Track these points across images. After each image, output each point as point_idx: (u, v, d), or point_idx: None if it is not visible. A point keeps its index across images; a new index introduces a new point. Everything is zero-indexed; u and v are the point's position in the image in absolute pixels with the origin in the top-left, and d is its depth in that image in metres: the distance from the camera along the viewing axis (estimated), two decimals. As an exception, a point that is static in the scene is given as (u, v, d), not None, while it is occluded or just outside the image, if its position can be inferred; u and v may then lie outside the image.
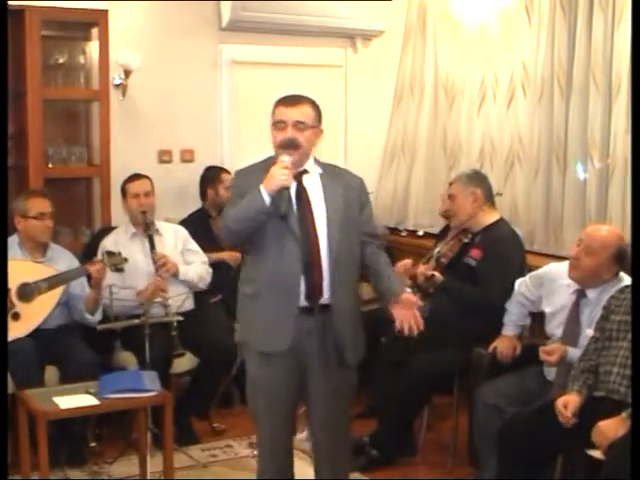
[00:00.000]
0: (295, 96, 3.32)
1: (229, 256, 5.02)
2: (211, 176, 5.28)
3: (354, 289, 3.39)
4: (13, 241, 4.39)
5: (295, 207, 3.25)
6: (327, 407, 3.34)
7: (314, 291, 3.24)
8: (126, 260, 4.33)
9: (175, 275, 4.62)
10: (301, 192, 3.29)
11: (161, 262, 4.55)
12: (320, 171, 3.35)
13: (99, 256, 4.60)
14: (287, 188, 3.17)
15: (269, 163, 3.25)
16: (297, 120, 3.24)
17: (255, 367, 3.35)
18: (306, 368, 3.31)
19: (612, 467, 3.08)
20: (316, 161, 3.38)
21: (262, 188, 3.15)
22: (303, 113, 3.26)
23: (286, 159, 3.18)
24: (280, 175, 3.14)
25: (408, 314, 3.26)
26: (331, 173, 3.38)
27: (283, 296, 3.22)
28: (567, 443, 3.38)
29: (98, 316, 4.41)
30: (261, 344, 3.29)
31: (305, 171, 3.32)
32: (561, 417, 3.35)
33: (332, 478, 3.43)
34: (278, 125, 3.25)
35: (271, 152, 3.33)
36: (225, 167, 5.33)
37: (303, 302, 3.25)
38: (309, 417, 3.45)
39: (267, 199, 3.14)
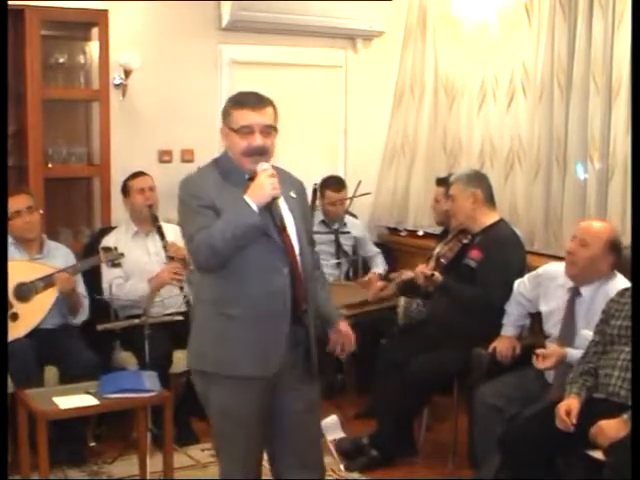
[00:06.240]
0: (258, 97, 3.00)
1: None
2: None
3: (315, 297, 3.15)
4: (9, 243, 4.37)
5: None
6: (298, 422, 3.07)
7: (298, 306, 2.99)
8: (122, 255, 4.32)
9: (184, 261, 4.46)
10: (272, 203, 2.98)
11: (172, 249, 4.48)
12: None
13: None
14: (277, 198, 2.90)
15: (224, 168, 2.99)
16: (266, 125, 2.95)
17: (227, 394, 2.98)
18: (277, 383, 3.01)
19: (616, 469, 3.07)
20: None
21: (249, 200, 2.83)
22: (270, 117, 2.97)
23: (267, 166, 2.91)
24: (269, 184, 2.86)
25: (344, 339, 3.20)
26: (284, 178, 3.06)
27: (274, 316, 2.94)
28: (567, 444, 3.38)
29: (82, 317, 4.44)
30: (249, 368, 2.94)
31: None
32: (563, 425, 3.33)
33: None
34: (243, 130, 2.94)
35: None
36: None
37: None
38: (277, 431, 3.10)
39: (257, 212, 2.83)
